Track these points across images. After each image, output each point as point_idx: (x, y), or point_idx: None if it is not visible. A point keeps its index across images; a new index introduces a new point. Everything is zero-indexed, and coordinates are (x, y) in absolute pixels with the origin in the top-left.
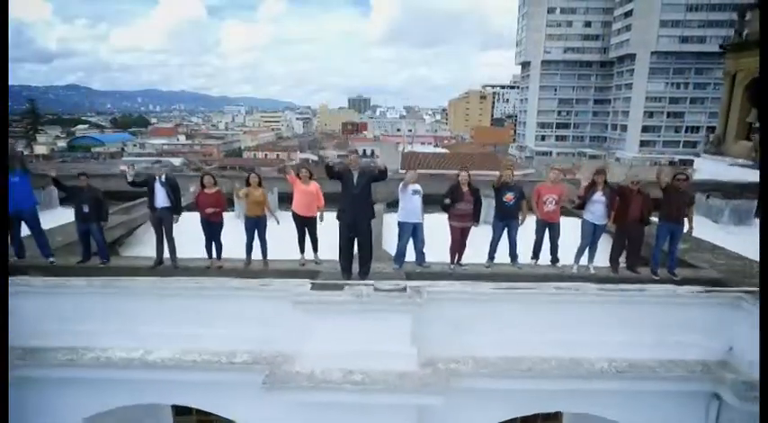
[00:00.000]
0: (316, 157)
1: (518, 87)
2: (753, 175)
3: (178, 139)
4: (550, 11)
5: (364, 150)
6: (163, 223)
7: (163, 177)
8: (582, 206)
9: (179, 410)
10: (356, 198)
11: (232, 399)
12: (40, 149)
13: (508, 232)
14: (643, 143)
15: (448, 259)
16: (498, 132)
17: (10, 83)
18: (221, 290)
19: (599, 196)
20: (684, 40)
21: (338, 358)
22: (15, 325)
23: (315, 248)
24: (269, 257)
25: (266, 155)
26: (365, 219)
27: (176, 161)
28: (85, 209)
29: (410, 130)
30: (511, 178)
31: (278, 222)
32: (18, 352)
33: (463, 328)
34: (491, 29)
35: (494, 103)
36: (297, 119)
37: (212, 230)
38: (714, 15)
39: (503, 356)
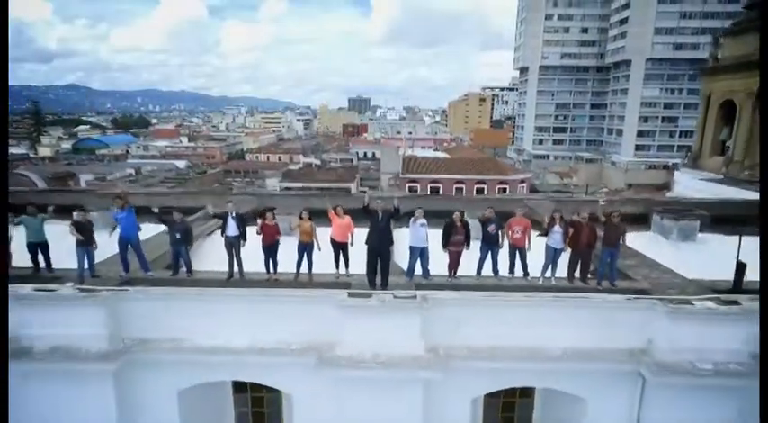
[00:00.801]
0: (318, 162)
1: (517, 90)
2: (718, 189)
3: (180, 141)
4: (548, 17)
5: (365, 153)
6: (233, 247)
7: (233, 213)
8: (545, 235)
9: (236, 388)
10: (381, 230)
11: (287, 376)
12: (44, 151)
13: (491, 254)
14: (638, 147)
15: (447, 273)
16: (497, 135)
17: (10, 83)
18: (281, 296)
19: (557, 228)
20: (678, 47)
21: (368, 346)
22: (131, 322)
23: (347, 266)
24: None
25: (268, 157)
26: (387, 244)
27: (180, 164)
28: (178, 236)
29: (410, 133)
30: (493, 215)
31: (320, 249)
32: (133, 342)
33: (458, 324)
34: (491, 29)
35: (493, 104)
36: (297, 120)
37: (271, 251)
38: (707, 23)
39: (488, 345)
